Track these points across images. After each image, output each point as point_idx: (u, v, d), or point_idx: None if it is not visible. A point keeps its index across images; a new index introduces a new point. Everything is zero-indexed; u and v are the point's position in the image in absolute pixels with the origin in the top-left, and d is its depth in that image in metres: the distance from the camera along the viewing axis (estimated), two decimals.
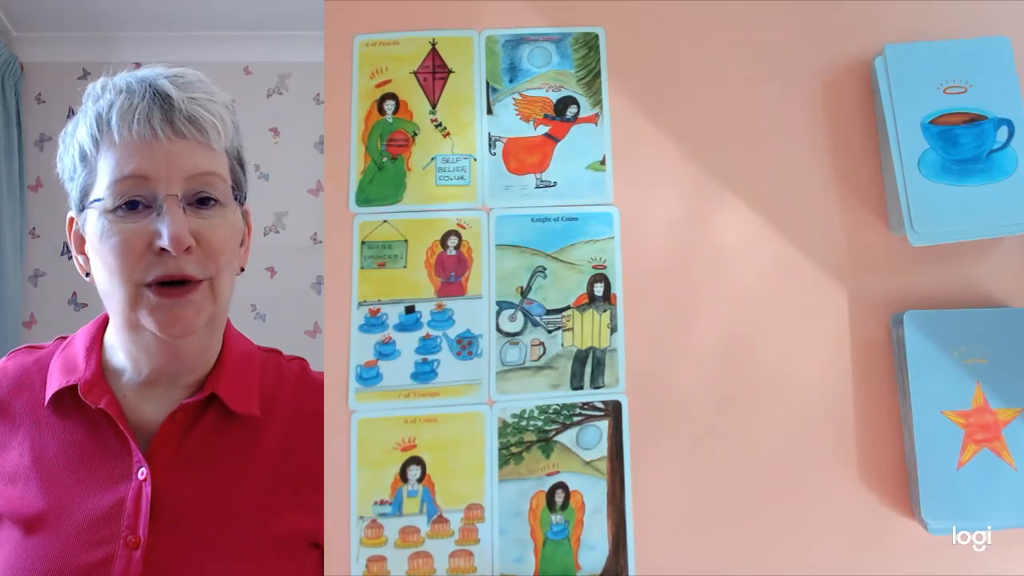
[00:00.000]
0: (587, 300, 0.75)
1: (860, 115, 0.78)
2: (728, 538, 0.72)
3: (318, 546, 0.73)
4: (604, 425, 0.73)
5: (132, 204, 0.69)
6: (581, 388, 0.73)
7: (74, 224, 0.75)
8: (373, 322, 0.73)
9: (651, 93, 0.78)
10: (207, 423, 0.75)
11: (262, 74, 2.80)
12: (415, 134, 0.77)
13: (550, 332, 0.74)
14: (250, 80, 2.79)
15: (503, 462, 0.72)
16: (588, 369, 0.74)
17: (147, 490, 0.70)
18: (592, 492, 0.72)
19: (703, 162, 0.77)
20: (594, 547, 0.71)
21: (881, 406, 0.74)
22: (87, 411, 0.73)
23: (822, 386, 0.74)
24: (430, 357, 0.73)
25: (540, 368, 0.73)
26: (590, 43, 0.79)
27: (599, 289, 0.75)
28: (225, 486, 0.73)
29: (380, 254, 0.75)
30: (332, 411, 0.72)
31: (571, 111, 0.78)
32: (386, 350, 0.73)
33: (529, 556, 0.71)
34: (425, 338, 0.73)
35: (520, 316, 0.74)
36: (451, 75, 0.78)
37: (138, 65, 0.75)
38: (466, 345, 0.73)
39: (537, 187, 0.76)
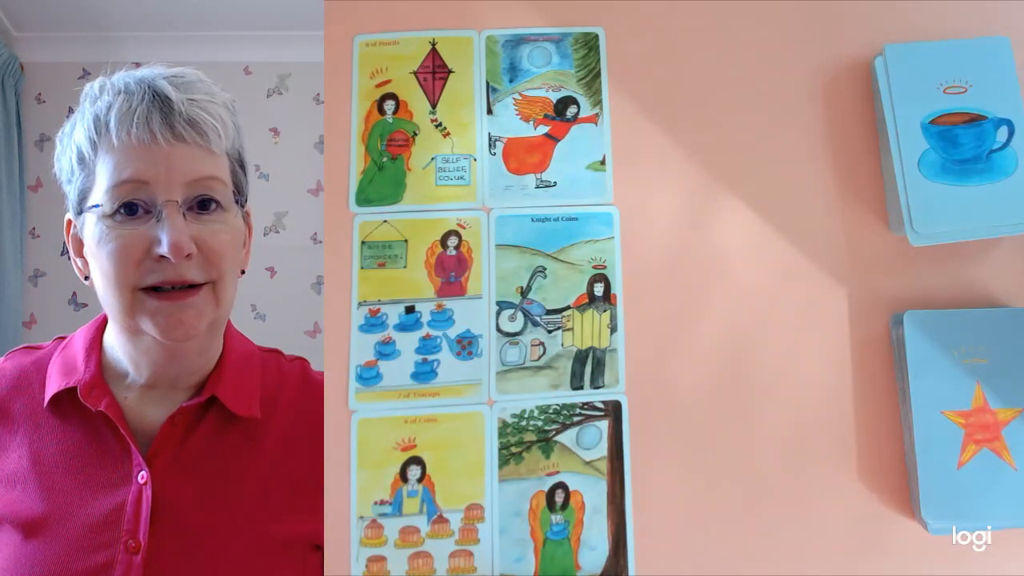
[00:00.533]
0: (587, 300, 0.75)
1: (860, 115, 0.78)
2: (728, 538, 0.72)
3: (319, 548, 0.73)
4: (604, 425, 0.73)
5: (131, 209, 0.68)
6: (581, 388, 0.73)
7: (72, 227, 0.74)
8: (373, 322, 0.73)
9: (651, 93, 0.78)
10: (207, 426, 0.74)
11: (262, 74, 2.80)
12: (415, 134, 0.77)
13: (550, 332, 0.74)
14: (250, 80, 2.79)
15: (503, 462, 0.72)
16: (588, 369, 0.74)
17: (147, 494, 0.70)
18: (592, 492, 0.72)
19: (703, 162, 0.77)
20: (594, 547, 0.71)
21: (881, 406, 0.74)
22: (87, 413, 0.72)
23: (822, 386, 0.74)
24: (430, 357, 0.73)
25: (540, 368, 0.73)
26: (590, 43, 0.79)
27: (599, 289, 0.75)
28: (226, 489, 0.73)
29: (380, 254, 0.75)
30: (332, 411, 0.72)
31: (571, 111, 0.78)
32: (386, 350, 0.73)
33: (529, 556, 0.71)
34: (425, 338, 0.73)
35: (520, 316, 0.74)
36: (451, 75, 0.78)
37: (138, 65, 0.74)
38: (466, 345, 0.73)
39: (537, 187, 0.76)
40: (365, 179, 0.76)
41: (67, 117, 0.75)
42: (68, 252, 0.75)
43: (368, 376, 0.73)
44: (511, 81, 0.78)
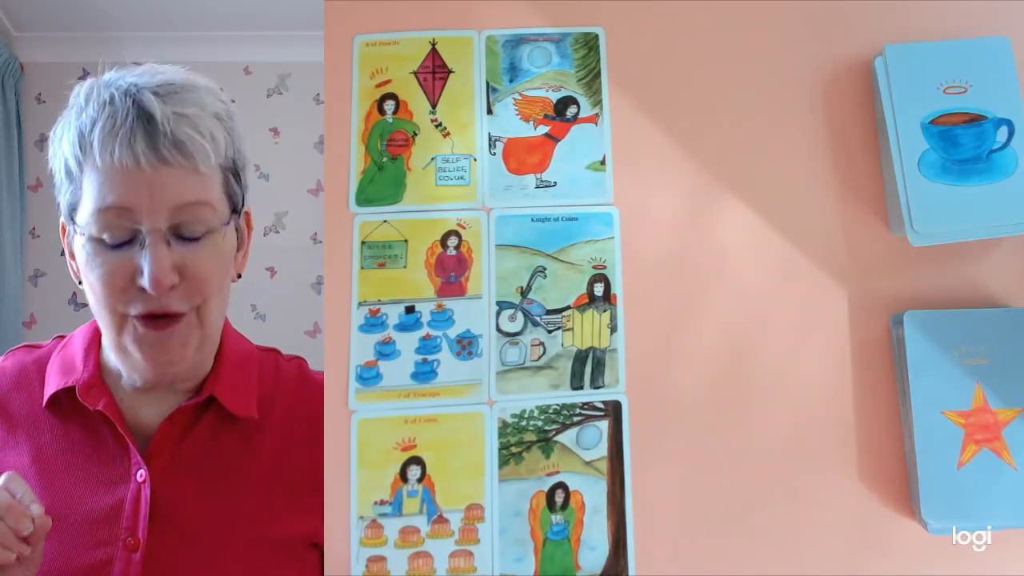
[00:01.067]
0: (587, 300, 0.75)
1: (860, 115, 0.78)
2: (728, 538, 0.72)
3: (318, 547, 0.73)
4: (604, 425, 0.73)
5: (116, 234, 0.66)
6: (581, 388, 0.73)
7: (67, 232, 0.73)
8: (373, 322, 0.73)
9: (651, 93, 0.78)
10: (205, 425, 0.74)
11: (262, 74, 2.80)
12: (415, 134, 0.77)
13: (550, 332, 0.74)
14: (250, 80, 2.79)
15: (503, 462, 0.72)
16: (588, 369, 0.74)
17: (146, 492, 0.70)
18: (592, 492, 0.72)
19: (703, 162, 0.77)
20: (594, 547, 0.71)
21: (881, 406, 0.74)
22: (86, 412, 0.73)
23: (822, 386, 0.74)
24: (430, 357, 0.73)
25: (540, 368, 0.73)
26: (590, 43, 0.79)
27: (599, 289, 0.75)
28: (224, 488, 0.73)
29: (380, 254, 0.75)
30: (332, 411, 0.72)
31: (571, 111, 0.78)
32: (386, 350, 0.73)
33: (529, 556, 0.71)
34: (425, 338, 0.73)
35: (520, 316, 0.74)
36: (451, 75, 0.78)
37: (137, 65, 0.74)
38: (466, 345, 0.73)
39: (537, 187, 0.76)
40: (365, 179, 0.76)
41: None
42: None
43: (368, 376, 0.73)
44: (511, 81, 0.78)
